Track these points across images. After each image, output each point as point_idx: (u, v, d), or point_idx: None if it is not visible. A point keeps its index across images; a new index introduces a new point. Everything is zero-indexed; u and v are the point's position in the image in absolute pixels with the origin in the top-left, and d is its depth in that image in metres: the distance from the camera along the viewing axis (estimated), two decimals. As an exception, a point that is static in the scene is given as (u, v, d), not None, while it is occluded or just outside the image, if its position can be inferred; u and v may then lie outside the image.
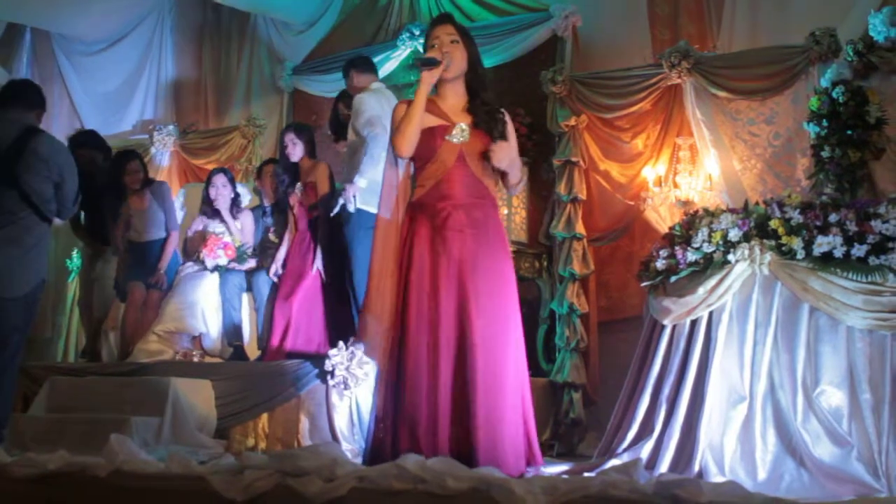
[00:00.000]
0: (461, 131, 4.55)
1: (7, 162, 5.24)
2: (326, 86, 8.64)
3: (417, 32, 8.50)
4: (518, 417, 4.44)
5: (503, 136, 4.56)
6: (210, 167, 8.93)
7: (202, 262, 7.67)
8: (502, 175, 4.60)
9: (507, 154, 4.48)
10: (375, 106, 6.67)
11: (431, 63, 4.49)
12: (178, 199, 8.86)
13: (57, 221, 5.71)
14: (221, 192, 7.86)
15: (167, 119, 10.26)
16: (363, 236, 6.46)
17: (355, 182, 6.53)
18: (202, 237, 7.83)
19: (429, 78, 4.48)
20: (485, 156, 4.52)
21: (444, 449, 4.25)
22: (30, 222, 5.28)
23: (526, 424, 4.57)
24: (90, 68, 10.89)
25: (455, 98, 4.64)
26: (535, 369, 4.82)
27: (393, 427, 4.43)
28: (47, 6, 9.93)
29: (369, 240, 6.49)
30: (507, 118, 4.63)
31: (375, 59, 7.67)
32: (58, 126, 10.88)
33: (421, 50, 8.08)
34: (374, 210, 6.50)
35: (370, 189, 6.48)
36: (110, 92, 10.82)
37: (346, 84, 7.26)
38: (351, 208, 6.57)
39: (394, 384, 4.47)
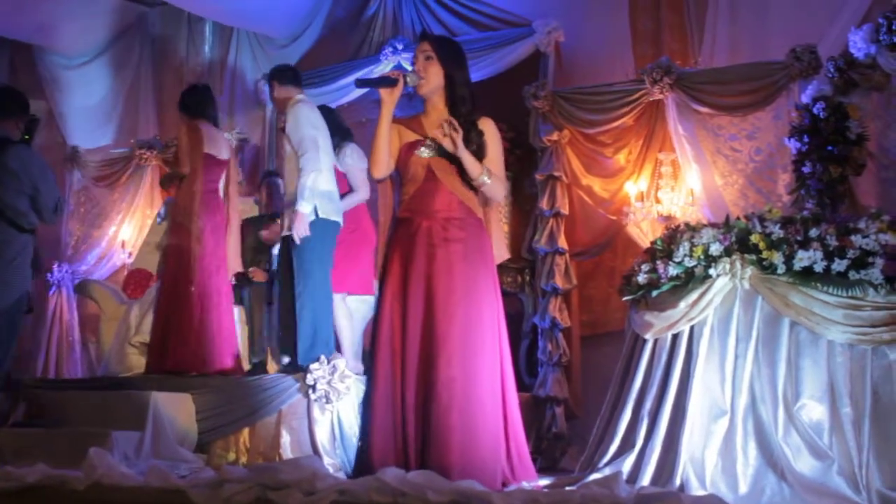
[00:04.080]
0: (429, 146, 4.58)
1: None
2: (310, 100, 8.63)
3: (401, 47, 8.51)
4: (495, 431, 4.43)
5: (481, 150, 4.57)
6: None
7: None
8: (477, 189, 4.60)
9: (455, 138, 4.45)
10: (307, 122, 6.61)
11: (386, 83, 4.54)
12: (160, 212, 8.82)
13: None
14: None
15: (149, 133, 10.23)
16: (321, 242, 6.52)
17: (299, 210, 6.42)
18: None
19: (387, 97, 4.52)
20: (460, 170, 4.53)
21: (413, 462, 4.27)
22: (7, 236, 5.24)
23: (511, 440, 4.58)
24: (72, 82, 10.85)
25: (435, 113, 4.67)
26: (517, 384, 4.80)
27: (367, 439, 4.46)
28: (27, 20, 9.90)
29: (328, 246, 6.58)
30: (490, 128, 4.64)
31: (359, 74, 7.68)
32: (38, 139, 10.85)
33: (403, 65, 8.15)
34: (334, 218, 6.58)
35: (327, 196, 6.54)
36: (92, 106, 10.79)
37: (268, 94, 7.31)
38: (300, 238, 6.44)
39: (366, 396, 4.52)
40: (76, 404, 6.68)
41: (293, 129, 6.63)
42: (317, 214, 6.53)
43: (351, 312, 6.92)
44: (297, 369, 6.56)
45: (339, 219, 6.65)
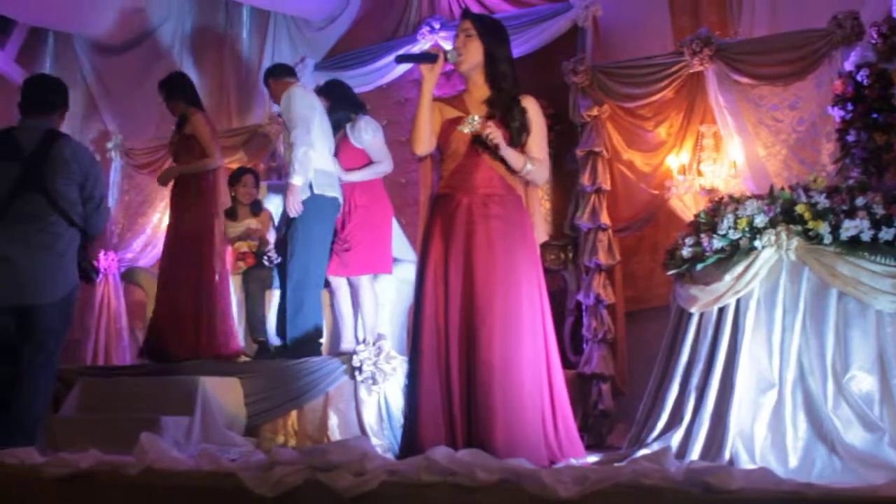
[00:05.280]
0: (472, 121, 4.57)
1: (33, 167, 5.25)
2: (348, 81, 8.59)
3: (437, 26, 8.49)
4: (539, 409, 4.43)
5: (524, 127, 4.56)
6: (233, 166, 8.96)
7: None
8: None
9: (497, 135, 4.45)
10: (302, 102, 6.80)
11: (427, 59, 4.54)
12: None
13: None
14: (250, 192, 7.93)
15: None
16: (316, 219, 6.69)
17: (292, 183, 6.64)
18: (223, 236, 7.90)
19: (427, 74, 4.52)
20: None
21: (460, 441, 4.28)
22: (59, 228, 5.30)
23: (559, 417, 4.57)
24: (112, 71, 10.93)
25: (477, 91, 4.67)
26: (562, 361, 4.80)
27: (414, 419, 4.47)
28: (68, 9, 9.98)
29: (324, 223, 6.68)
30: (533, 107, 4.62)
31: (397, 54, 7.68)
32: (84, 128, 10.96)
33: (441, 44, 8.13)
34: (330, 193, 6.66)
35: (322, 173, 6.69)
36: (133, 94, 10.86)
37: (269, 95, 7.52)
38: (295, 213, 6.70)
39: (411, 376, 4.54)
40: (126, 391, 6.76)
41: (286, 110, 6.84)
42: (312, 191, 6.62)
43: (376, 294, 6.92)
44: (285, 348, 6.66)
45: (337, 194, 6.73)
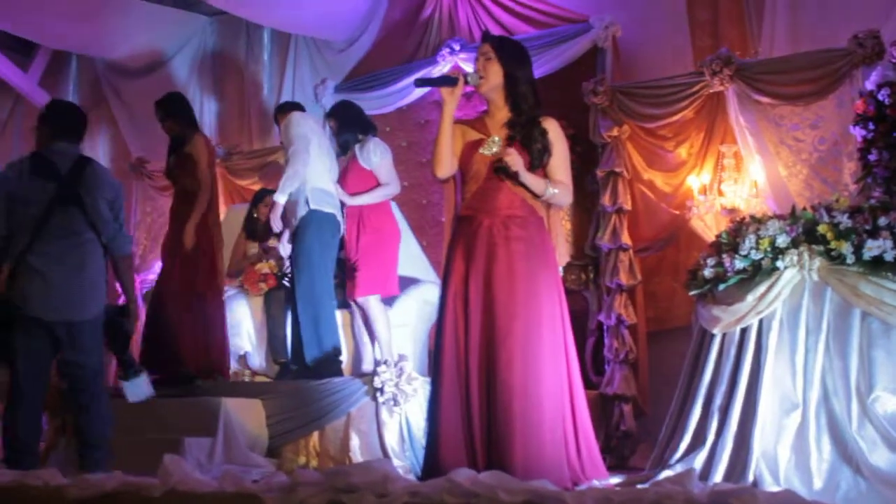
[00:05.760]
0: (493, 143, 4.58)
1: (68, 185, 5.34)
2: (368, 103, 8.64)
3: (457, 48, 8.51)
4: (559, 431, 4.42)
5: (545, 149, 4.56)
6: (255, 188, 9.00)
7: (245, 289, 7.73)
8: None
9: (517, 162, 4.46)
10: (302, 123, 6.99)
11: (447, 82, 4.57)
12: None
13: None
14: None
15: (211, 141, 10.33)
16: (315, 236, 6.80)
17: (276, 200, 6.85)
18: (244, 256, 7.93)
19: (448, 97, 4.55)
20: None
21: (481, 463, 4.28)
22: (93, 246, 5.40)
23: (581, 439, 4.56)
24: (134, 93, 11.00)
25: (498, 112, 4.69)
26: (584, 382, 4.79)
27: (435, 441, 4.47)
28: (90, 34, 10.06)
29: (323, 239, 6.81)
30: (554, 129, 4.62)
31: (417, 75, 7.74)
32: (104, 151, 11.02)
33: (461, 65, 8.16)
34: (327, 209, 6.78)
35: (320, 190, 6.82)
36: (155, 116, 10.92)
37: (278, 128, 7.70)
38: (276, 228, 6.92)
39: (432, 397, 4.54)
40: (149, 412, 6.77)
41: (284, 133, 7.06)
42: (309, 206, 6.68)
43: (387, 315, 6.90)
44: (306, 369, 6.68)
45: (335, 211, 6.80)
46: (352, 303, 6.88)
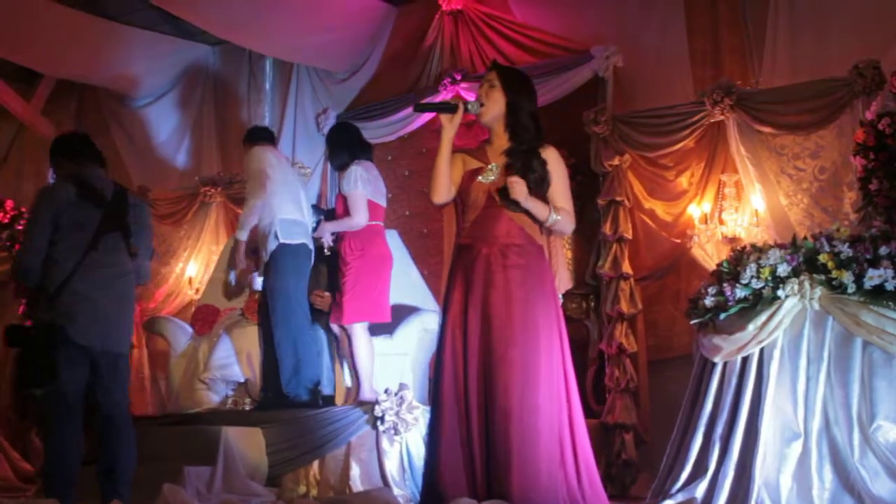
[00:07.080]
0: (491, 171, 4.59)
1: (115, 211, 5.36)
2: (370, 132, 8.68)
3: (459, 77, 8.54)
4: (555, 457, 4.41)
5: (542, 179, 4.56)
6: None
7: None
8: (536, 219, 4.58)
9: (521, 190, 4.46)
10: (260, 158, 7.06)
11: (446, 109, 4.59)
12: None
13: None
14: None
15: (213, 169, 10.36)
16: (289, 268, 6.89)
17: (238, 238, 7.04)
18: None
19: (447, 124, 4.57)
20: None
21: (481, 492, 4.27)
22: (132, 277, 5.42)
23: (582, 467, 4.54)
24: (136, 122, 11.04)
25: (498, 141, 4.69)
26: (585, 410, 4.77)
27: (435, 470, 4.46)
28: (94, 63, 10.10)
29: (297, 270, 6.93)
30: (553, 158, 4.62)
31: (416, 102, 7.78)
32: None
33: (462, 94, 8.18)
34: (298, 240, 6.92)
35: (289, 222, 6.92)
36: (157, 145, 10.95)
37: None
38: (240, 265, 7.18)
39: (432, 425, 4.54)
40: (149, 440, 6.75)
41: (245, 168, 7.22)
42: (278, 239, 6.75)
43: (371, 343, 6.77)
44: (282, 398, 6.79)
45: (305, 240, 6.90)
46: (334, 329, 6.85)
